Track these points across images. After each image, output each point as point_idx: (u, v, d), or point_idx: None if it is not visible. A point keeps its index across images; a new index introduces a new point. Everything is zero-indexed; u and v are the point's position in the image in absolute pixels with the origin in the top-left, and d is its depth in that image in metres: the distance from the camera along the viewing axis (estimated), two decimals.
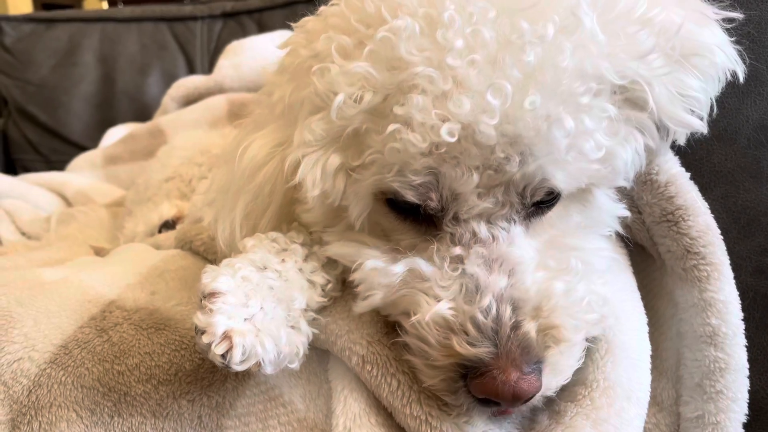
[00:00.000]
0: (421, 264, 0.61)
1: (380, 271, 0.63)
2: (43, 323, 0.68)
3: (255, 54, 1.89)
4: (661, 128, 0.66)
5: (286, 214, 0.72)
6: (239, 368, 0.57)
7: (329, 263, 0.69)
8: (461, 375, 0.57)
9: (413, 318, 0.59)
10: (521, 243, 0.62)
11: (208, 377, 0.65)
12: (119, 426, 0.63)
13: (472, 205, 0.60)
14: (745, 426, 0.67)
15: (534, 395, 0.57)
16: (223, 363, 0.56)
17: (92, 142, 2.13)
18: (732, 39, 0.67)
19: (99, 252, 1.20)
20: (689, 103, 0.65)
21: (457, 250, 0.61)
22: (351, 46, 0.61)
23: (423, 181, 0.59)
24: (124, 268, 0.82)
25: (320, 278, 0.68)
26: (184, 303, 0.73)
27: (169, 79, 2.09)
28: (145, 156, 1.75)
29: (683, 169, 0.72)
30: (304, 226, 0.71)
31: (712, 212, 0.70)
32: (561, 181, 0.60)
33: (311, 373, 0.68)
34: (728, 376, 0.66)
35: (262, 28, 2.21)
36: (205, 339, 0.56)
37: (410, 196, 0.60)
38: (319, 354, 0.69)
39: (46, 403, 0.63)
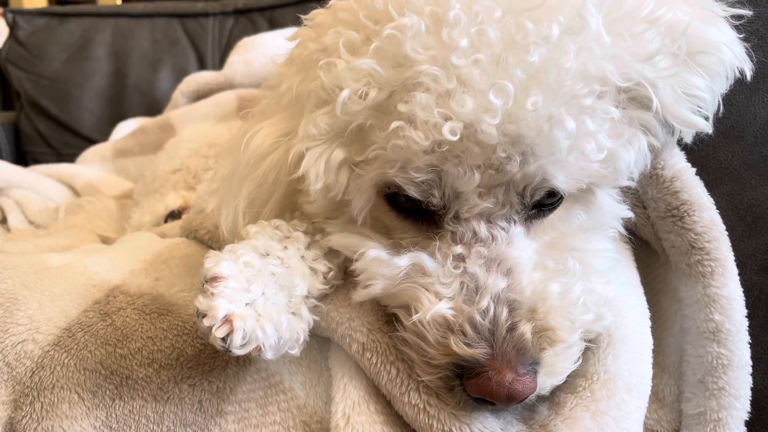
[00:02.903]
0: (425, 259, 0.61)
1: (383, 261, 0.63)
2: (47, 306, 0.69)
3: (266, 50, 1.88)
4: (667, 126, 0.66)
5: (290, 203, 0.73)
6: (240, 352, 0.57)
7: (331, 251, 0.69)
8: (457, 374, 0.58)
9: (414, 316, 0.60)
10: (520, 243, 0.62)
11: (210, 362, 0.66)
12: (120, 409, 0.63)
13: (472, 205, 0.60)
14: (747, 424, 0.67)
15: (528, 396, 0.57)
16: (224, 346, 0.57)
17: (103, 136, 2.14)
18: (740, 36, 0.66)
19: (105, 241, 1.21)
20: (695, 103, 0.64)
21: (459, 249, 0.61)
22: (358, 42, 0.61)
23: (425, 179, 0.59)
24: (129, 255, 0.83)
25: (322, 266, 0.68)
26: (188, 289, 0.74)
27: (180, 75, 2.10)
28: (154, 150, 1.75)
29: (689, 165, 0.72)
30: (307, 216, 0.71)
31: (718, 209, 0.70)
32: (561, 181, 0.60)
33: (312, 361, 0.69)
34: (731, 372, 0.66)
35: (273, 25, 2.22)
36: (206, 322, 0.56)
37: (413, 192, 0.60)
38: (319, 342, 0.69)
39: (48, 385, 0.63)
